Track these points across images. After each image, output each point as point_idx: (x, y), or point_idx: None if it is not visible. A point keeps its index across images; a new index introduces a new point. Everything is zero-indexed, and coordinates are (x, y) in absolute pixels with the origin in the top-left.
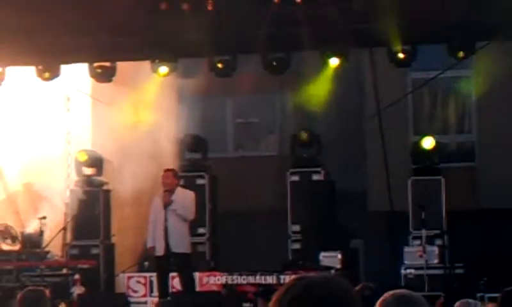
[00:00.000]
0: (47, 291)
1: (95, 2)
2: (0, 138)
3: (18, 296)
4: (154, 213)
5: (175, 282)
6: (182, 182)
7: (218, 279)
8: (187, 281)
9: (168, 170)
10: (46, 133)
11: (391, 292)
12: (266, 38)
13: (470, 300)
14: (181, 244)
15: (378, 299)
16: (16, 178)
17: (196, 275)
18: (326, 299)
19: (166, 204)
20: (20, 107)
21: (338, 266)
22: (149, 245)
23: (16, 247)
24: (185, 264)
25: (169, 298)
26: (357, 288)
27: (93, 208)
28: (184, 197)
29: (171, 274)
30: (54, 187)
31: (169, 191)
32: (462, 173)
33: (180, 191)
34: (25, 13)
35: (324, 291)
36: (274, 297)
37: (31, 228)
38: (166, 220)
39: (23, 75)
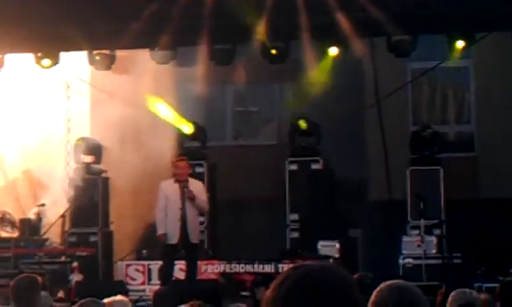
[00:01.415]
0: (40, 279)
1: None
2: (0, 125)
3: (11, 283)
4: (164, 201)
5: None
6: None
7: (216, 268)
8: (194, 270)
9: (181, 159)
10: (45, 121)
11: (387, 283)
12: (265, 26)
13: (466, 290)
14: (196, 234)
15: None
16: (16, 165)
17: None
18: (324, 287)
19: (191, 200)
20: (20, 94)
21: (337, 255)
22: (160, 232)
23: (15, 234)
24: (196, 254)
25: (167, 286)
26: (354, 276)
27: (91, 195)
28: (198, 188)
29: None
30: (53, 175)
31: (184, 181)
32: (461, 163)
33: (192, 182)
34: (24, 0)
35: (321, 279)
36: (271, 286)
37: (30, 214)
38: (183, 210)
39: (22, 62)
